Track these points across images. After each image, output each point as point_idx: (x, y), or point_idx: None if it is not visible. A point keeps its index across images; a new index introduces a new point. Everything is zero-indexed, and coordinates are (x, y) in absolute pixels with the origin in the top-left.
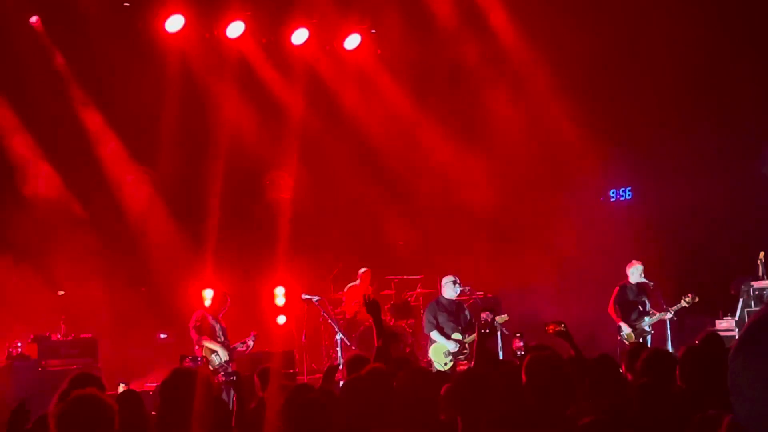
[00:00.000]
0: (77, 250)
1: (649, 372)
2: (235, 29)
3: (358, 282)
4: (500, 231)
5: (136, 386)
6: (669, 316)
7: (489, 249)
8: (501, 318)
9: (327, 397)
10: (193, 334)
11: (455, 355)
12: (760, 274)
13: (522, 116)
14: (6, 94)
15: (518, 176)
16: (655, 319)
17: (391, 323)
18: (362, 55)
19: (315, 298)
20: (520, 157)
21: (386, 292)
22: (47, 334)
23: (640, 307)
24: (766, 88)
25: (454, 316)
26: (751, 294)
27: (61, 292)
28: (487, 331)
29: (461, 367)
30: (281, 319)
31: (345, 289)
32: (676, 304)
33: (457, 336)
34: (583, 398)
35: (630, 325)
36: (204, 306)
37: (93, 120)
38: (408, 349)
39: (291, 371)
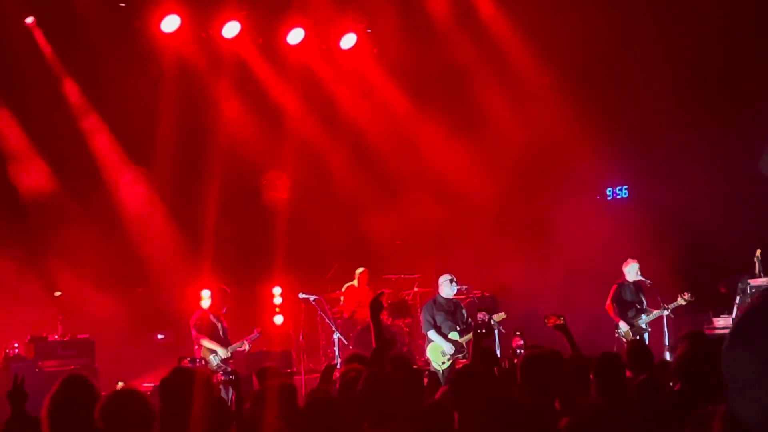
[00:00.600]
0: (74, 251)
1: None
2: (231, 29)
3: (355, 282)
4: (497, 230)
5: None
6: (666, 313)
7: (486, 248)
8: (498, 316)
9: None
10: (193, 333)
11: (453, 355)
12: (757, 271)
13: (518, 115)
14: (2, 94)
15: (515, 175)
16: (652, 317)
17: (389, 322)
18: (358, 54)
19: (312, 298)
20: (517, 156)
21: (384, 291)
22: (44, 335)
23: (637, 305)
24: (762, 86)
25: (452, 315)
26: (748, 292)
27: (58, 293)
28: (483, 331)
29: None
30: (278, 319)
31: (343, 289)
32: (672, 302)
33: (454, 335)
34: (580, 395)
35: (627, 323)
36: (202, 306)
37: (89, 120)
38: (405, 349)
39: (288, 371)
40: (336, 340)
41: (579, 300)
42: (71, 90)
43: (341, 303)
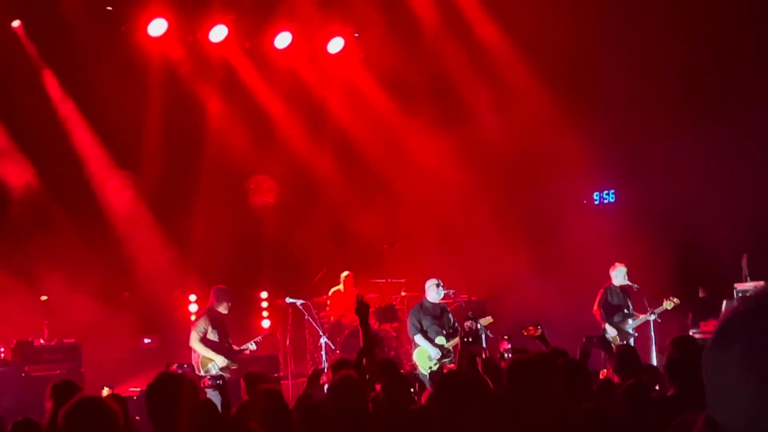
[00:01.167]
0: (60, 255)
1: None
2: (218, 33)
3: (341, 286)
4: (485, 234)
5: (119, 391)
6: (652, 318)
7: (474, 252)
8: (485, 320)
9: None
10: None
11: (439, 359)
12: (743, 276)
13: (505, 120)
14: None
15: (502, 180)
16: (638, 321)
17: (376, 326)
18: (346, 58)
19: (299, 302)
20: (504, 161)
21: (371, 295)
22: (30, 339)
23: (624, 309)
24: (748, 89)
25: (438, 319)
26: (735, 296)
27: (44, 297)
28: (470, 339)
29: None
30: (265, 323)
31: (329, 293)
32: (659, 307)
33: (441, 340)
34: (566, 400)
35: (614, 327)
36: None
37: (76, 124)
38: (392, 353)
39: (275, 375)
40: (323, 345)
41: (567, 304)
42: (57, 93)
43: (327, 307)
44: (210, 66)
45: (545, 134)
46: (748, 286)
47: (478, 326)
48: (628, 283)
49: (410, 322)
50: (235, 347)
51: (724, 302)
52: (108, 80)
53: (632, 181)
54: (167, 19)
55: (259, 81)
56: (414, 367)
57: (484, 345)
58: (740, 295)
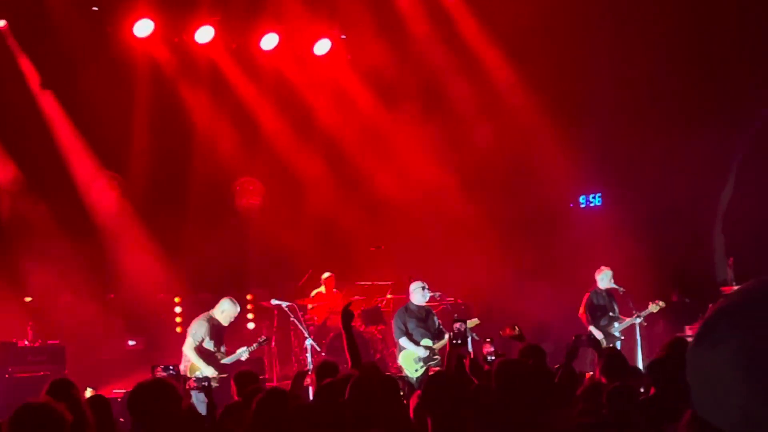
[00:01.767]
0: (45, 256)
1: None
2: (204, 34)
3: (322, 288)
4: (471, 237)
5: (103, 393)
6: (638, 321)
7: (460, 255)
8: (471, 322)
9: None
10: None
11: (425, 362)
12: (729, 279)
13: (492, 123)
14: None
15: (489, 183)
16: (624, 324)
17: (362, 329)
18: (332, 60)
19: (285, 304)
20: (491, 163)
21: (357, 297)
22: (14, 341)
23: (609, 312)
24: (734, 92)
25: (424, 322)
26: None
27: (28, 299)
28: (459, 342)
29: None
30: (251, 326)
31: (312, 295)
32: (644, 310)
33: (426, 342)
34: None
35: (600, 331)
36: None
37: (61, 125)
38: (378, 356)
39: (261, 377)
40: (309, 347)
41: (553, 308)
42: (43, 94)
43: (310, 309)
44: (196, 67)
45: (532, 137)
46: (734, 289)
47: (466, 328)
48: (614, 286)
49: (395, 325)
50: (228, 354)
51: (710, 306)
52: (94, 80)
53: (619, 185)
54: (153, 20)
55: (246, 82)
56: (399, 369)
57: (470, 348)
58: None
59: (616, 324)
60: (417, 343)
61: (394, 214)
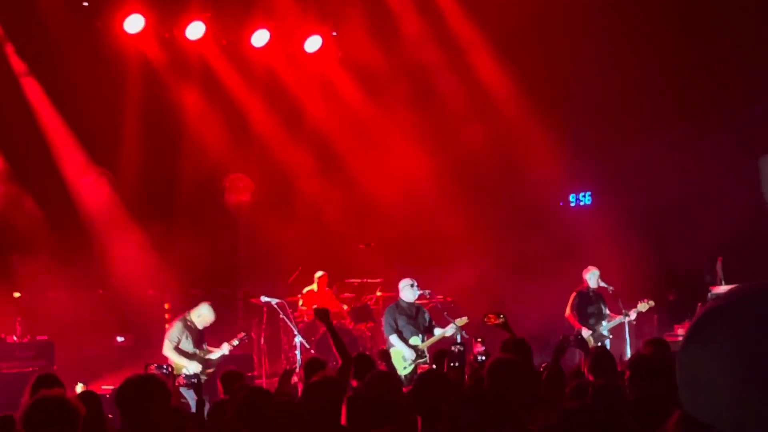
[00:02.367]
0: (34, 252)
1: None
2: (195, 30)
3: (314, 286)
4: (461, 235)
5: (92, 388)
6: (627, 320)
7: (450, 253)
8: (461, 320)
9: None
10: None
11: (414, 360)
12: (719, 279)
13: (482, 121)
14: None
15: (479, 181)
16: (613, 323)
17: (351, 326)
18: (323, 57)
19: (274, 301)
20: (481, 161)
21: (346, 295)
22: (2, 336)
23: (597, 311)
24: (724, 92)
25: (414, 319)
26: (709, 299)
27: (17, 294)
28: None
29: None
30: (240, 322)
31: (304, 292)
32: (633, 309)
33: (416, 340)
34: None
35: (589, 330)
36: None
37: (51, 121)
38: (367, 353)
39: (249, 374)
40: (298, 344)
41: (542, 307)
42: (32, 89)
43: (300, 306)
44: (187, 63)
45: (522, 136)
46: (723, 289)
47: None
48: (603, 285)
49: (385, 321)
50: (212, 350)
51: (699, 305)
52: (84, 76)
53: (609, 183)
54: (144, 16)
55: (237, 79)
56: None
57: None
58: (714, 298)
59: (604, 323)
60: (406, 341)
61: (384, 212)
